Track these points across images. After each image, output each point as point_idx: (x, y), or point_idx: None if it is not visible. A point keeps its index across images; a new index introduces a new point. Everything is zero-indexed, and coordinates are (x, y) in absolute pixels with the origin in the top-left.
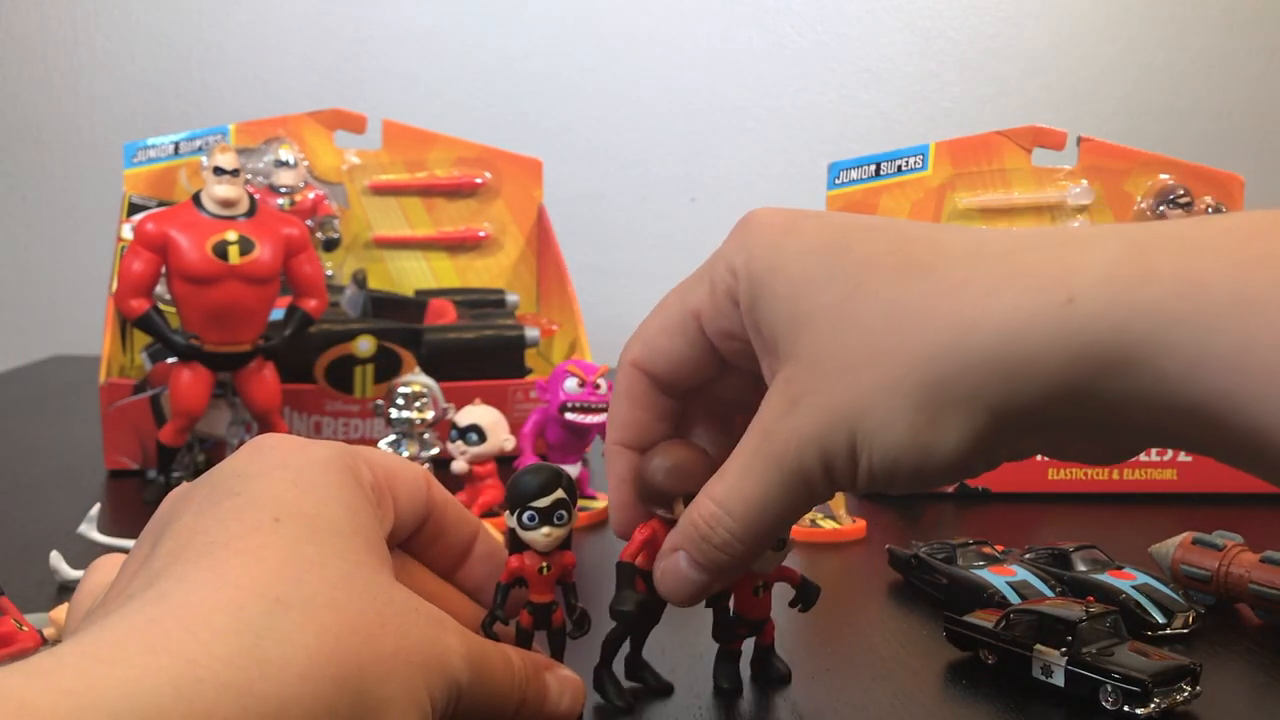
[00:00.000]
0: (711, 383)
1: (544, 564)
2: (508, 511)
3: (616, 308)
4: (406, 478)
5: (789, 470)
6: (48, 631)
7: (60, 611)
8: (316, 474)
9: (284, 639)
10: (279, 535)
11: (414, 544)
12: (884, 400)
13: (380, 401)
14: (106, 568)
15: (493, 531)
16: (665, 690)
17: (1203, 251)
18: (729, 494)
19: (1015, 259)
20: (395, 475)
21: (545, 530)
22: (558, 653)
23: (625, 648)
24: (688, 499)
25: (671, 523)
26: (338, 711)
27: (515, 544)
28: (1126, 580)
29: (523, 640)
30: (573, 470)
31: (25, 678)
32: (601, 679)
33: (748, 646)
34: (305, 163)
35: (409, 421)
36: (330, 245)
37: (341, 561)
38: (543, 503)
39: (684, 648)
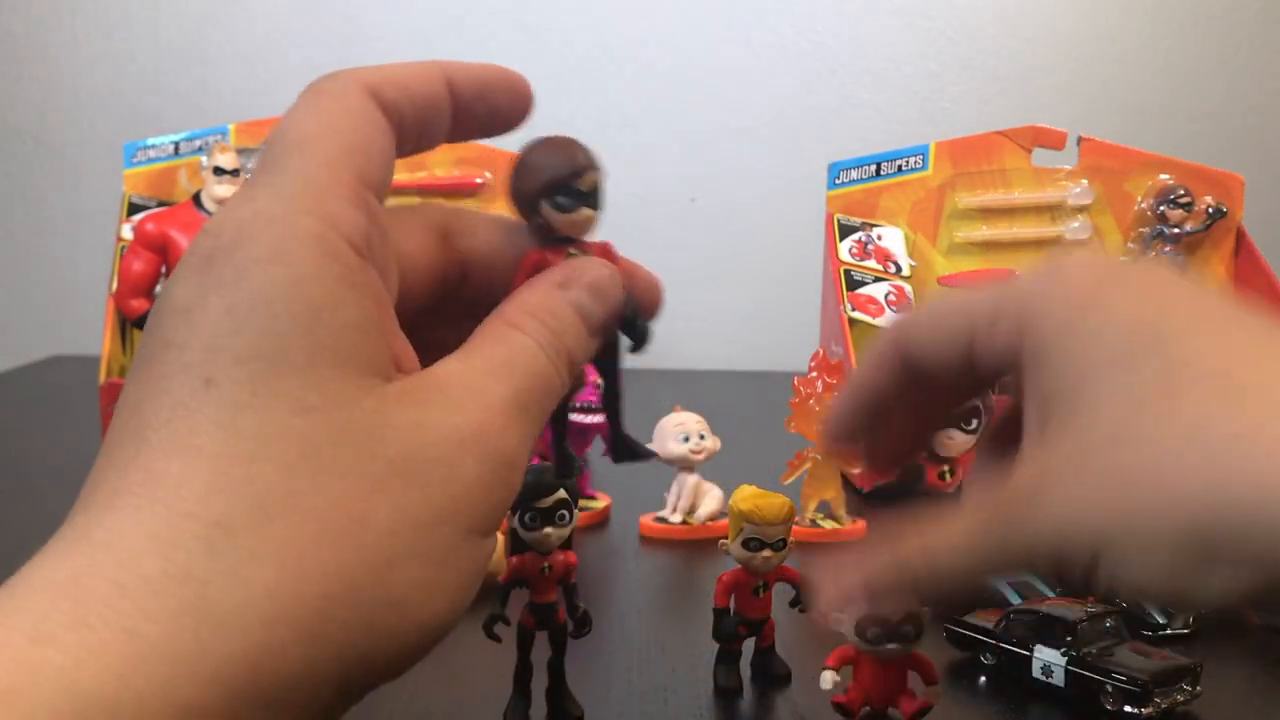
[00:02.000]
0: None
1: (546, 564)
2: (509, 512)
3: None
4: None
5: (1013, 561)
6: None
7: None
8: (264, 278)
9: (234, 579)
10: (211, 407)
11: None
12: (1152, 531)
13: None
14: None
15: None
16: (648, 455)
17: None
18: (947, 557)
19: None
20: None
21: (547, 530)
22: (559, 652)
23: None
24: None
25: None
26: (333, 638)
27: (517, 544)
28: None
29: (524, 640)
30: None
31: None
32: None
33: (748, 646)
34: None
35: None
36: None
37: (299, 421)
38: (544, 503)
39: (684, 648)
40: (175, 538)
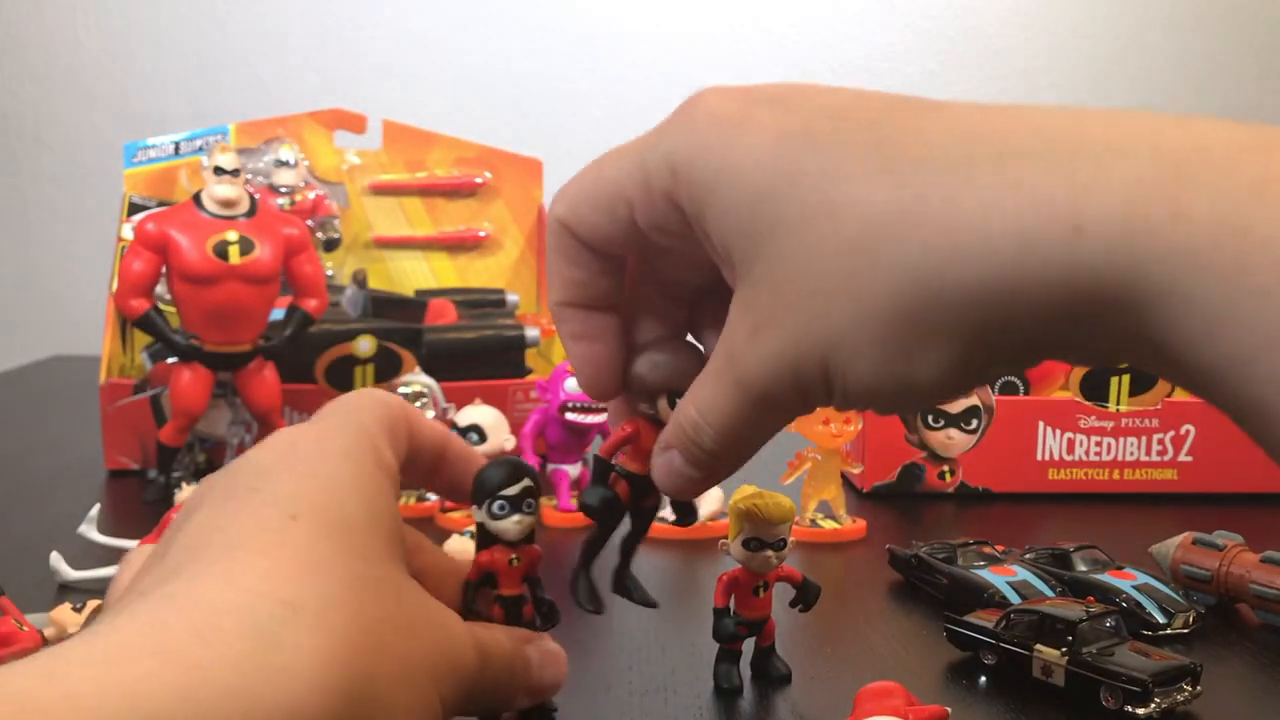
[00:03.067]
0: (656, 252)
1: (513, 556)
2: (475, 506)
3: None
4: (406, 420)
5: (758, 395)
6: (48, 631)
7: (60, 611)
8: (335, 465)
9: (294, 645)
10: (294, 534)
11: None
12: (855, 331)
13: None
14: (138, 560)
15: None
16: (649, 604)
17: (1252, 191)
18: (706, 406)
19: (1015, 168)
20: (413, 424)
21: (516, 518)
22: None
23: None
24: (672, 396)
25: (656, 420)
26: (341, 714)
27: (484, 539)
28: (1127, 580)
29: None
30: (573, 470)
31: (27, 678)
32: (575, 581)
33: (748, 646)
34: (305, 163)
35: None
36: (330, 245)
37: (356, 560)
38: (512, 491)
39: (684, 647)
40: (253, 606)
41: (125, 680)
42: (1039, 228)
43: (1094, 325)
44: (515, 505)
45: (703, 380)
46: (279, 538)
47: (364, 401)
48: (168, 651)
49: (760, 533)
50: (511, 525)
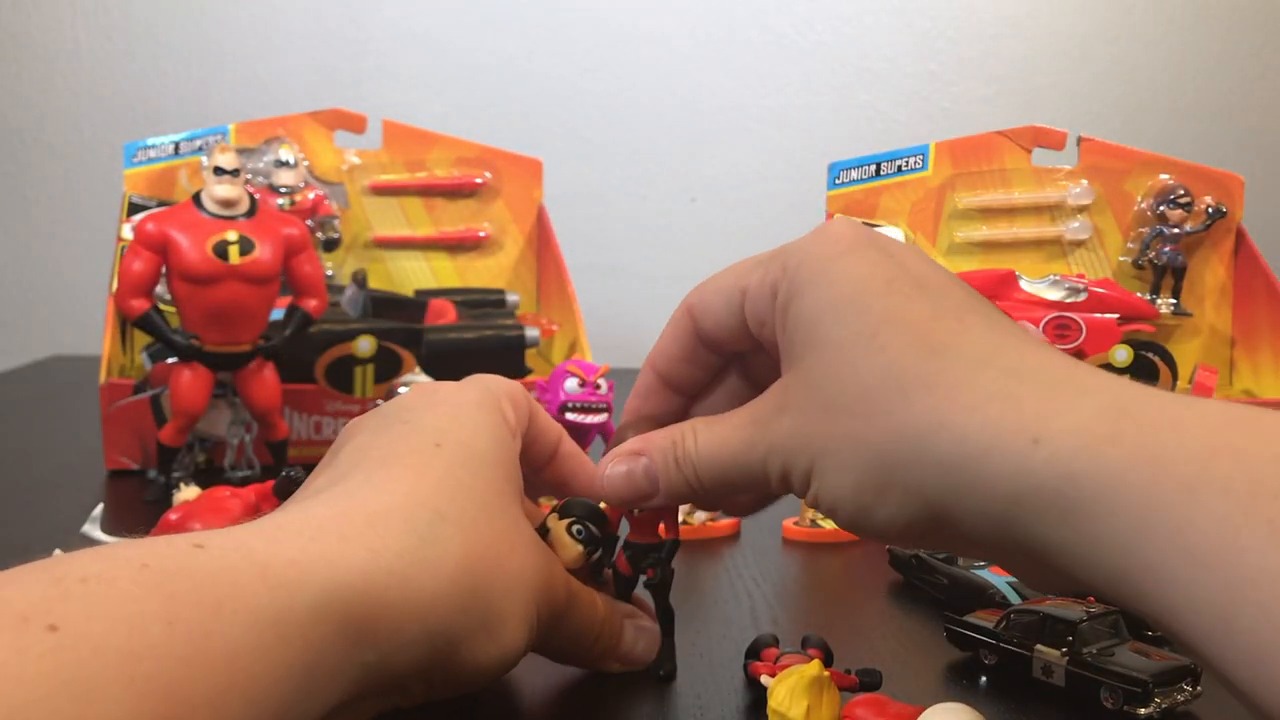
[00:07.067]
0: (747, 355)
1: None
2: (555, 513)
3: (616, 308)
4: (529, 404)
5: (755, 462)
6: None
7: None
8: (470, 411)
9: (440, 545)
10: (439, 458)
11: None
12: (847, 453)
13: (380, 401)
14: None
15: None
16: (665, 676)
17: (1173, 428)
18: (708, 444)
19: (1009, 383)
20: (520, 402)
21: (580, 549)
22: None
23: None
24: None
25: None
26: (470, 614)
27: (621, 587)
28: None
29: (624, 588)
30: None
31: (262, 542)
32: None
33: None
34: (305, 163)
35: None
36: (330, 245)
37: (487, 488)
38: (595, 529)
39: (685, 648)
40: (410, 510)
41: (325, 556)
42: (1006, 431)
43: (1027, 536)
44: (589, 539)
45: (717, 422)
46: (426, 460)
47: (495, 379)
48: (351, 537)
49: None
50: (575, 549)
